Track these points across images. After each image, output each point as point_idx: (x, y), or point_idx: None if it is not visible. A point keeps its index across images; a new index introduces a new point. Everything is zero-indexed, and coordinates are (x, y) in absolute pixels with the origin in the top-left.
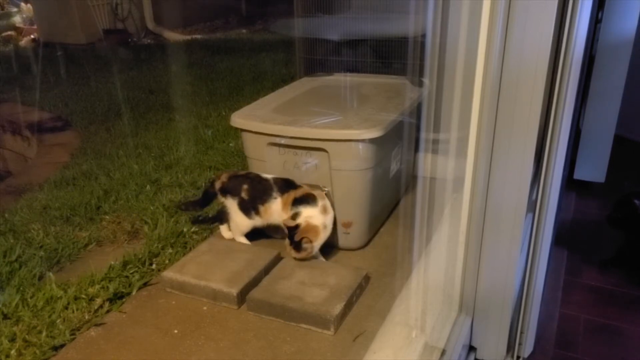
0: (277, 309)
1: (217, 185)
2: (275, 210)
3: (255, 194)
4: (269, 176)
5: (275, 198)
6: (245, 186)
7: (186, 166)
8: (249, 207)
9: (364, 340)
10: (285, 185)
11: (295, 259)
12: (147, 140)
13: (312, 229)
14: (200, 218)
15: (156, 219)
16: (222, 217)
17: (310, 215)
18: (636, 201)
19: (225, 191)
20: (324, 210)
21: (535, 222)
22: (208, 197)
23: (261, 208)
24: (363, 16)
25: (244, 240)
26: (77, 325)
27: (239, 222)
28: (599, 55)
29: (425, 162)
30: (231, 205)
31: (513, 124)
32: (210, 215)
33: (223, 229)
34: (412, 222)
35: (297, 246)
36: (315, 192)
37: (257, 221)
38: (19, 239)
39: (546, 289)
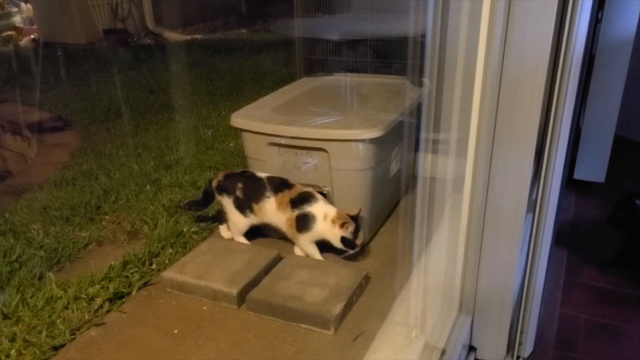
0: (277, 309)
1: (214, 183)
2: (270, 210)
3: (250, 192)
4: (263, 175)
5: (269, 197)
6: (240, 185)
7: (186, 166)
8: (244, 206)
9: (364, 340)
10: (280, 184)
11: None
12: (147, 140)
13: (344, 216)
14: (200, 217)
15: (156, 219)
16: (221, 216)
17: (324, 210)
18: (637, 201)
19: (222, 190)
20: (326, 203)
21: (535, 222)
22: (208, 196)
23: (255, 207)
24: (363, 16)
25: (243, 239)
26: (77, 325)
27: (235, 221)
28: (599, 55)
29: (425, 162)
30: (227, 204)
31: (513, 124)
32: (210, 215)
33: (222, 228)
34: (412, 222)
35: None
36: (308, 189)
37: (253, 220)
38: (19, 239)
39: (546, 289)
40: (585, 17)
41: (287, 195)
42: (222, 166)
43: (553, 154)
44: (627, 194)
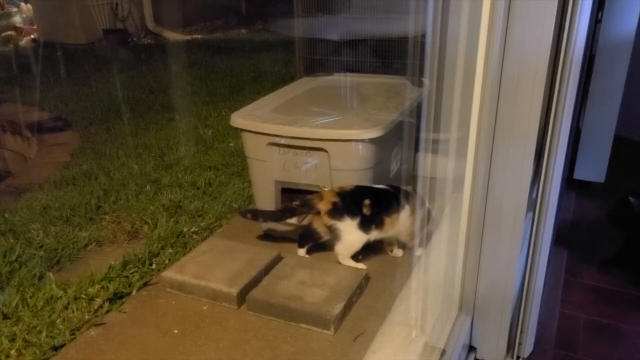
0: (277, 309)
1: (323, 206)
2: (403, 219)
3: (381, 206)
4: (381, 186)
5: (404, 206)
6: (367, 202)
7: (186, 166)
8: (370, 223)
9: (364, 340)
10: (406, 192)
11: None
12: (147, 140)
13: None
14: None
15: (156, 219)
16: (306, 238)
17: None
18: (632, 199)
19: (339, 212)
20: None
21: (535, 221)
22: (289, 213)
23: (387, 220)
24: (363, 16)
25: (352, 262)
26: (77, 325)
27: (354, 242)
28: (599, 55)
29: (425, 162)
30: (347, 226)
31: (513, 124)
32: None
33: (302, 250)
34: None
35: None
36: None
37: (373, 236)
38: (19, 239)
39: (546, 289)
40: (585, 17)
41: (414, 198)
42: (222, 166)
43: (553, 154)
44: (623, 193)
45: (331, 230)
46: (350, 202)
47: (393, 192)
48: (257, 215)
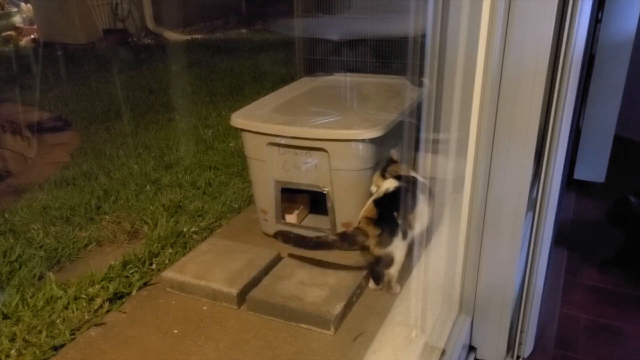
0: (277, 309)
1: (372, 243)
2: (421, 210)
3: (404, 206)
4: (392, 185)
5: (421, 197)
6: (395, 213)
7: (186, 166)
8: (406, 229)
9: (364, 340)
10: (409, 179)
11: None
12: (147, 140)
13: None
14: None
15: (156, 219)
16: (379, 272)
17: None
18: (631, 198)
19: (386, 239)
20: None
21: (535, 221)
22: (324, 246)
23: (411, 217)
24: (363, 16)
25: (399, 286)
26: (77, 325)
27: (403, 255)
28: (599, 55)
29: (425, 162)
30: (396, 246)
31: (513, 124)
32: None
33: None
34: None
35: None
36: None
37: (409, 238)
38: (19, 239)
39: (546, 289)
40: (585, 17)
41: (420, 184)
42: (222, 166)
43: (553, 154)
44: (623, 192)
45: (384, 258)
46: (386, 224)
47: (405, 186)
48: (289, 239)
